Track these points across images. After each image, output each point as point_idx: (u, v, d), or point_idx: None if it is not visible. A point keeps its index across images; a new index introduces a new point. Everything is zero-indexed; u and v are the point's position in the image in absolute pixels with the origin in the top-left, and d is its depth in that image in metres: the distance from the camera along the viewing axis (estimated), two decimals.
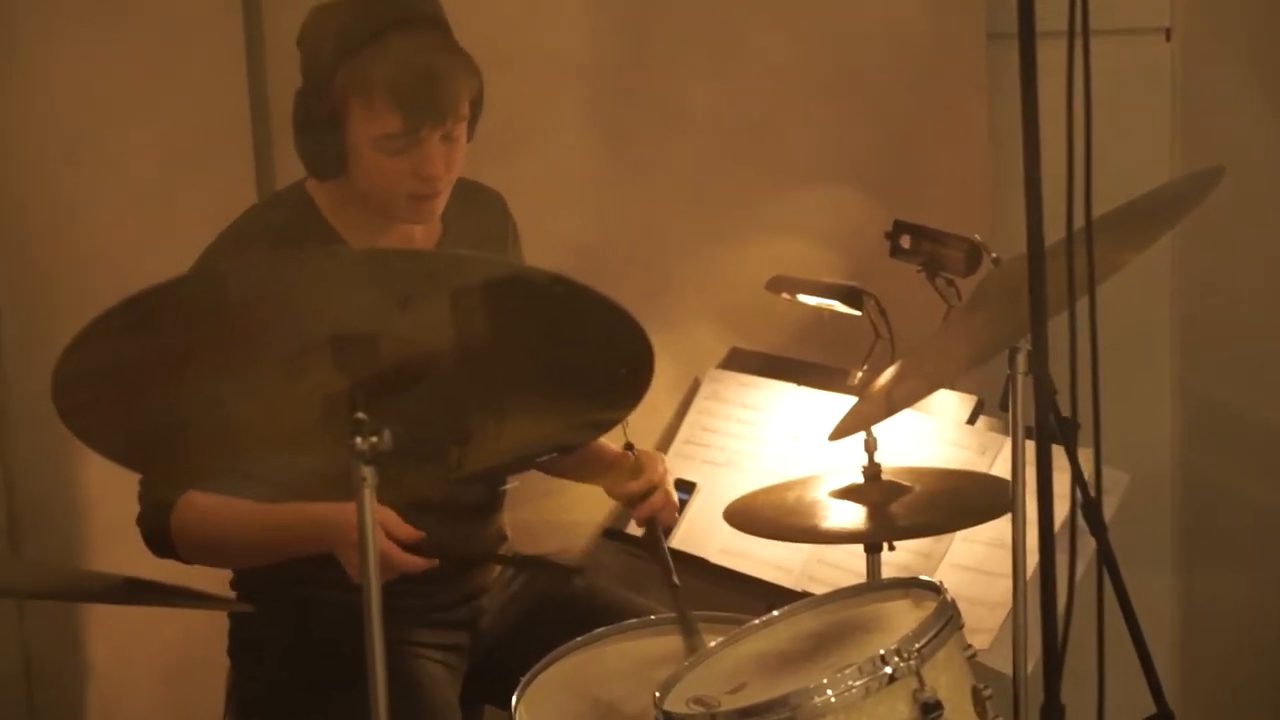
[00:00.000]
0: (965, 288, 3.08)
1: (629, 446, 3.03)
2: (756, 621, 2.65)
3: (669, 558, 2.94)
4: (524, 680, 2.71)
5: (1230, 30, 4.07)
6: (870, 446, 2.99)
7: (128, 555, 2.82)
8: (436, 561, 2.78)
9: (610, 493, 3.08)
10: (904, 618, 2.55)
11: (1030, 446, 2.27)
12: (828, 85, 3.89)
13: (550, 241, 3.49)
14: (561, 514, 3.52)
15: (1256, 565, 4.16)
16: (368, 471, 2.10)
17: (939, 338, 2.97)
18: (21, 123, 3.35)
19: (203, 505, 2.73)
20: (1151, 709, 2.78)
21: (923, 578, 2.65)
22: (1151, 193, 2.74)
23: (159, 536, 2.80)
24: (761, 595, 3.33)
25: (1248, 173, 3.72)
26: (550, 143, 3.74)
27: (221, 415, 2.13)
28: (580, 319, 2.08)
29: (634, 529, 3.12)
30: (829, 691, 2.31)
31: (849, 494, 2.99)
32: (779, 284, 3.57)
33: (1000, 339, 2.71)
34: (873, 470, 3.00)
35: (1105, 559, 2.60)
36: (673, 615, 2.87)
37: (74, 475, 3.37)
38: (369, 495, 2.11)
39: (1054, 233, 2.22)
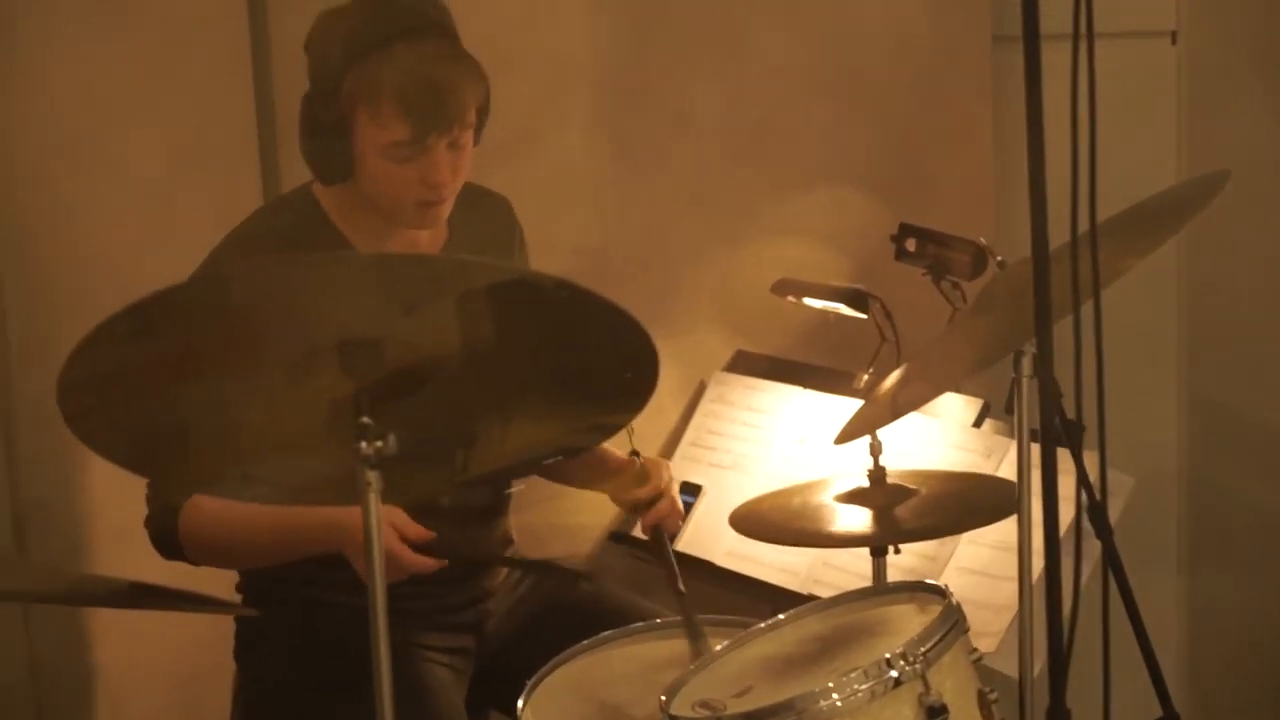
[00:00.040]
0: (970, 291, 3.08)
1: (634, 453, 3.03)
2: (762, 625, 2.66)
3: (675, 564, 2.93)
4: (530, 684, 2.71)
5: (1236, 33, 4.07)
6: (875, 450, 2.99)
7: (133, 558, 2.82)
8: (446, 562, 2.78)
9: (616, 500, 3.08)
10: (909, 621, 2.56)
11: (1036, 449, 2.27)
12: (833, 88, 3.89)
13: (555, 244, 3.49)
14: (567, 517, 3.52)
15: (1262, 568, 4.15)
16: (373, 476, 2.10)
17: (944, 341, 2.97)
18: (25, 125, 3.35)
19: (210, 507, 2.73)
20: (1158, 712, 2.77)
21: (928, 581, 2.65)
22: (1155, 197, 2.74)
23: (167, 539, 2.80)
24: (767, 598, 3.33)
25: (1254, 175, 3.72)
26: (555, 146, 3.74)
27: (226, 419, 2.13)
28: (585, 323, 2.08)
29: (640, 532, 3.11)
30: (834, 695, 2.32)
31: (854, 498, 2.99)
32: (784, 287, 3.57)
33: (1005, 342, 2.70)
34: (878, 474, 3.00)
35: (1111, 562, 2.60)
36: (679, 619, 2.87)
37: (79, 478, 3.37)
38: (374, 499, 2.11)
39: (1059, 236, 2.22)
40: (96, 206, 3.42)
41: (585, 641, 2.83)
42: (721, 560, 3.47)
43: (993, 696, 2.49)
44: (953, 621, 2.46)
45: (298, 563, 2.82)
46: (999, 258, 3.06)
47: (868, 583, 3.03)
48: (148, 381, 2.03)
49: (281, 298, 2.01)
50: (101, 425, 2.06)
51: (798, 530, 2.99)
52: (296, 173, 3.00)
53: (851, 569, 3.25)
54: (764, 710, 2.34)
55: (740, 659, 2.59)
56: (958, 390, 3.38)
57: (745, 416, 3.68)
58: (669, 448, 3.74)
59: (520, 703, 2.66)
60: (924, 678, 2.35)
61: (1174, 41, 4.09)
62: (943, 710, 2.35)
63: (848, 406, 3.23)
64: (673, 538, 3.03)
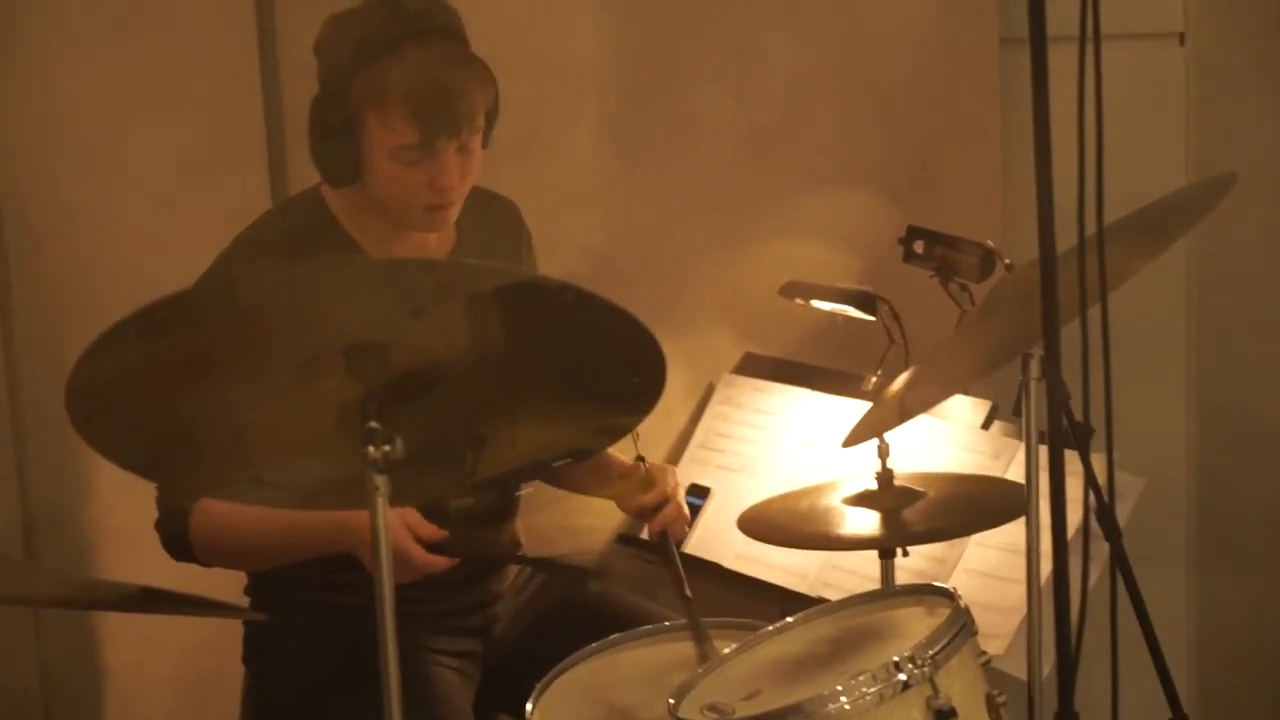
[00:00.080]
0: (979, 293, 3.08)
1: (639, 459, 3.03)
2: (771, 628, 2.66)
3: (681, 570, 2.93)
4: (539, 686, 2.72)
5: (1244, 34, 4.06)
6: (883, 452, 2.99)
7: (142, 561, 2.82)
8: (458, 560, 2.79)
9: (622, 506, 3.08)
10: (918, 624, 2.56)
11: (1044, 451, 2.27)
12: (840, 90, 3.89)
13: (564, 247, 3.50)
14: (576, 519, 3.53)
15: (1272, 569, 4.14)
16: (380, 480, 2.10)
17: (952, 344, 2.97)
18: (34, 130, 3.35)
19: (220, 509, 2.74)
20: (1167, 714, 2.77)
21: (936, 584, 2.65)
22: (1163, 199, 2.74)
23: (177, 541, 2.81)
24: (776, 601, 3.33)
25: (1262, 176, 3.72)
26: (563, 148, 3.74)
27: (235, 422, 2.13)
28: (591, 327, 2.08)
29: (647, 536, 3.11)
30: (843, 698, 2.31)
31: (862, 500, 2.98)
32: (792, 289, 3.57)
33: (1013, 345, 2.70)
34: (886, 476, 3.00)
35: (1119, 563, 2.60)
36: (686, 622, 2.87)
37: (88, 482, 3.37)
38: (382, 504, 2.11)
39: (1067, 238, 2.22)
40: (105, 210, 3.42)
41: (593, 644, 2.83)
42: (730, 563, 3.47)
43: (1001, 699, 2.49)
44: (961, 624, 2.46)
45: (306, 566, 2.82)
46: (1007, 260, 3.06)
47: (876, 585, 3.03)
48: (156, 385, 2.03)
49: (288, 302, 2.01)
50: (110, 429, 2.07)
51: (806, 533, 2.99)
52: (304, 176, 3.00)
53: (860, 571, 3.25)
54: (772, 714, 2.34)
55: (749, 662, 2.59)
56: (966, 392, 3.38)
57: (753, 419, 3.68)
58: (677, 450, 3.74)
59: (528, 706, 2.66)
60: (932, 681, 2.35)
61: (1182, 43, 4.09)
62: (951, 713, 2.35)
63: (856, 409, 3.23)
64: (679, 543, 3.02)
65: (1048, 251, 2.14)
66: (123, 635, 3.47)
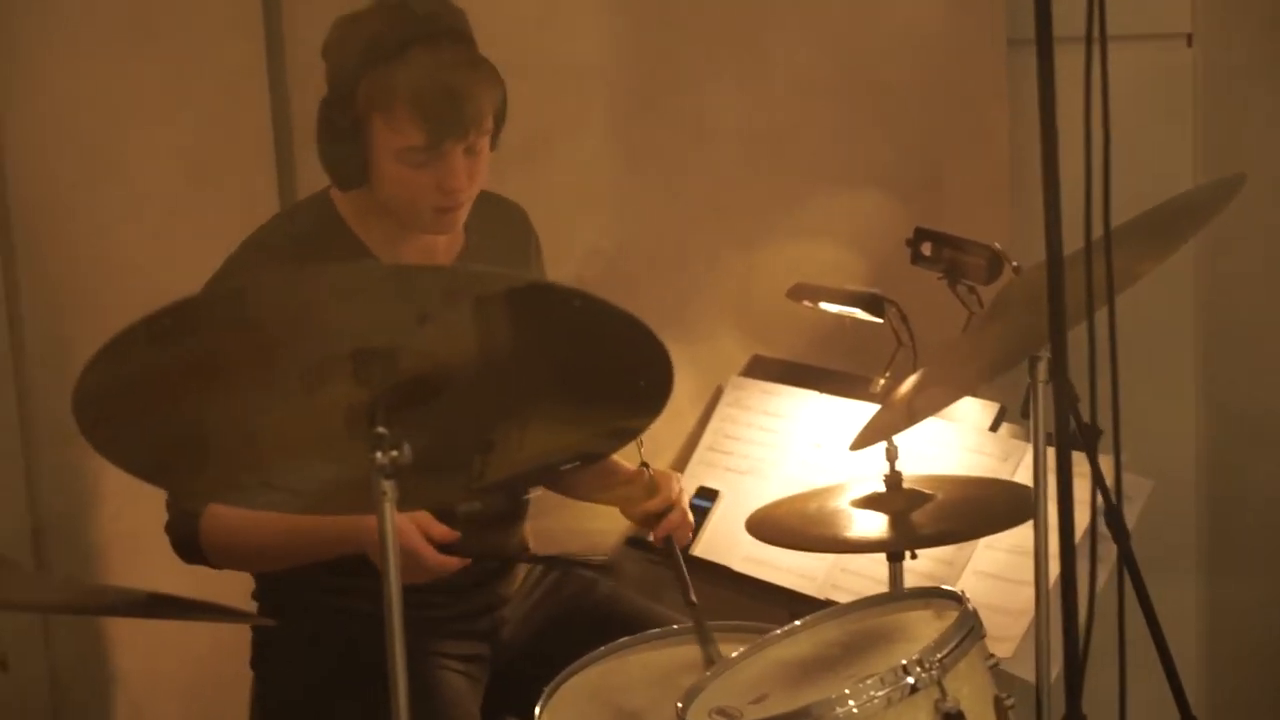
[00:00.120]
0: (987, 295, 3.08)
1: (644, 465, 3.03)
2: (778, 631, 2.66)
3: (687, 576, 2.93)
4: (547, 690, 2.71)
5: (1252, 35, 4.05)
6: (891, 455, 2.99)
7: (149, 566, 2.83)
8: (470, 561, 2.79)
9: (626, 513, 3.07)
10: (926, 627, 2.55)
11: (1052, 454, 2.26)
12: (848, 92, 3.89)
13: (571, 249, 3.50)
14: (585, 522, 3.52)
15: None
16: (388, 486, 2.10)
17: (960, 346, 2.96)
18: (42, 135, 3.35)
19: (231, 511, 2.74)
20: (1176, 717, 2.77)
21: (945, 587, 2.65)
22: (1171, 201, 2.73)
23: (188, 544, 2.82)
24: (784, 603, 3.33)
25: (1271, 177, 3.71)
26: (572, 151, 3.74)
27: (243, 427, 2.13)
28: (599, 332, 2.08)
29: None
30: (851, 702, 2.31)
31: (871, 503, 2.98)
32: (800, 291, 3.57)
33: (1021, 348, 2.70)
34: (894, 479, 3.00)
35: (1128, 565, 2.59)
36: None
37: (96, 487, 3.37)
38: (389, 509, 2.11)
39: (1075, 240, 2.21)
40: (113, 214, 3.42)
41: (601, 648, 2.83)
42: (738, 565, 3.47)
43: (1009, 702, 2.49)
44: (969, 627, 2.46)
45: (314, 569, 2.83)
46: (1014, 263, 3.06)
47: (885, 588, 3.03)
48: (163, 391, 2.03)
49: (296, 308, 2.01)
50: (117, 435, 2.07)
51: (814, 536, 2.99)
52: (312, 179, 3.00)
53: (868, 574, 3.25)
54: (780, 717, 2.33)
55: (757, 665, 2.59)
56: (974, 394, 3.38)
57: (762, 421, 3.68)
58: (686, 452, 3.75)
59: (537, 709, 2.66)
60: (940, 684, 2.35)
61: (1190, 44, 4.09)
62: (959, 717, 2.35)
63: (864, 411, 3.23)
64: (684, 548, 3.02)
65: (1054, 254, 2.14)
66: (132, 640, 3.48)
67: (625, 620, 3.01)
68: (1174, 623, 2.86)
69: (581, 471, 3.03)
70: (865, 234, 3.80)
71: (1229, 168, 2.87)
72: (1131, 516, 3.13)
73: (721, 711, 2.41)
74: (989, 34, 3.94)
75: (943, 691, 2.35)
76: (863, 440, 2.93)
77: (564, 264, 3.31)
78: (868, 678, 2.34)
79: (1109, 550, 2.62)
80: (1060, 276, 2.14)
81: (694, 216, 3.85)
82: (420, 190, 2.81)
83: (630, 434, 2.29)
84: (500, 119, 2.87)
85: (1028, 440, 3.13)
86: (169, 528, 2.83)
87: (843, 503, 3.02)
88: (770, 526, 3.03)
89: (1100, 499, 2.56)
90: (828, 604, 3.14)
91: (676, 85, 3.82)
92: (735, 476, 3.63)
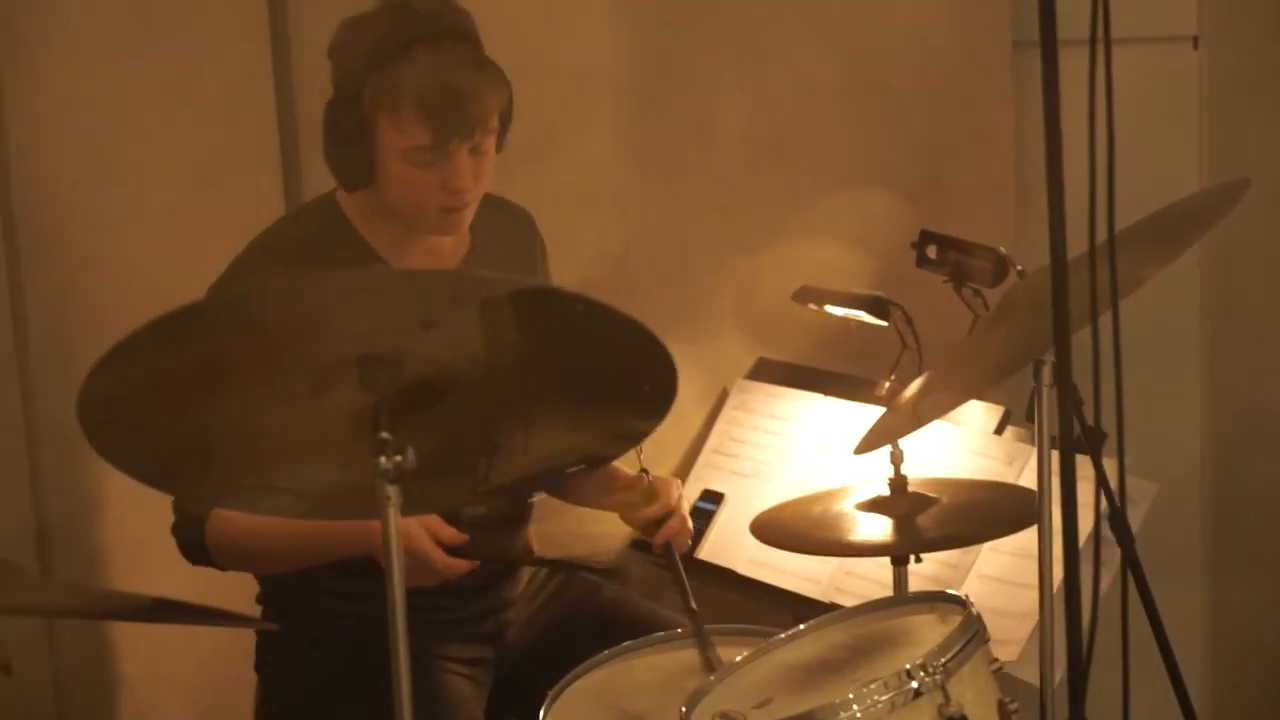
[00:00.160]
0: (992, 298, 3.08)
1: (643, 471, 3.03)
2: (783, 635, 2.65)
3: (686, 582, 2.93)
4: (551, 693, 2.71)
5: (1258, 38, 4.05)
6: (896, 459, 2.99)
7: (154, 569, 2.83)
8: (478, 563, 2.79)
9: (626, 519, 3.07)
10: (930, 632, 2.55)
11: (1057, 457, 2.26)
12: (854, 95, 3.89)
13: (577, 251, 3.51)
14: (589, 525, 3.52)
15: None
16: (392, 490, 2.10)
17: (964, 350, 2.96)
18: (48, 138, 3.36)
19: (238, 513, 2.73)
20: None
21: (949, 591, 2.65)
22: (1175, 205, 2.73)
23: (194, 546, 2.82)
24: (789, 606, 3.34)
25: (1277, 180, 3.70)
26: (577, 153, 3.74)
27: (248, 429, 2.13)
28: (603, 337, 2.08)
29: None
30: (855, 707, 2.31)
31: (875, 506, 2.99)
32: (805, 295, 3.56)
33: (1025, 352, 2.70)
34: (899, 482, 3.00)
35: (1132, 568, 2.59)
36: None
37: (101, 490, 3.37)
38: (393, 514, 2.11)
39: (1080, 244, 2.21)
40: (118, 217, 3.42)
41: (606, 651, 2.83)
42: (743, 568, 3.47)
43: (1013, 707, 2.49)
44: (973, 632, 2.45)
45: (318, 574, 2.83)
46: (1019, 266, 3.06)
47: (889, 591, 3.03)
48: (168, 395, 2.03)
49: (300, 312, 2.01)
50: (122, 439, 2.07)
51: (818, 539, 2.99)
52: (318, 181, 3.01)
53: (873, 577, 3.25)
54: None
55: (761, 669, 2.59)
56: (979, 397, 3.37)
57: (767, 424, 3.68)
58: (691, 455, 3.75)
59: (541, 713, 2.66)
60: (944, 689, 2.35)
61: (1196, 46, 4.08)
62: None
63: (869, 414, 3.23)
64: (683, 554, 3.01)
65: (1058, 258, 2.14)
66: (137, 644, 3.48)
67: (630, 623, 3.01)
68: (1178, 626, 2.85)
69: (582, 477, 3.03)
70: (870, 236, 3.80)
71: (1235, 171, 2.86)
72: (1136, 520, 3.13)
73: (725, 715, 2.40)
74: (994, 36, 3.93)
75: (946, 696, 2.35)
76: (868, 444, 2.93)
77: (569, 265, 3.31)
78: (871, 682, 2.33)
79: (1113, 554, 2.62)
80: (1064, 281, 2.14)
81: (699, 218, 3.85)
82: (426, 190, 2.81)
83: (636, 437, 2.29)
84: (506, 120, 2.88)
85: (1033, 444, 3.13)
86: (175, 530, 2.84)
87: (847, 506, 3.02)
88: (774, 530, 3.03)
89: (1104, 502, 2.56)
90: (832, 607, 3.15)
91: (681, 87, 3.82)
92: (740, 479, 3.63)
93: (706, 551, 3.54)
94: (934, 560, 3.19)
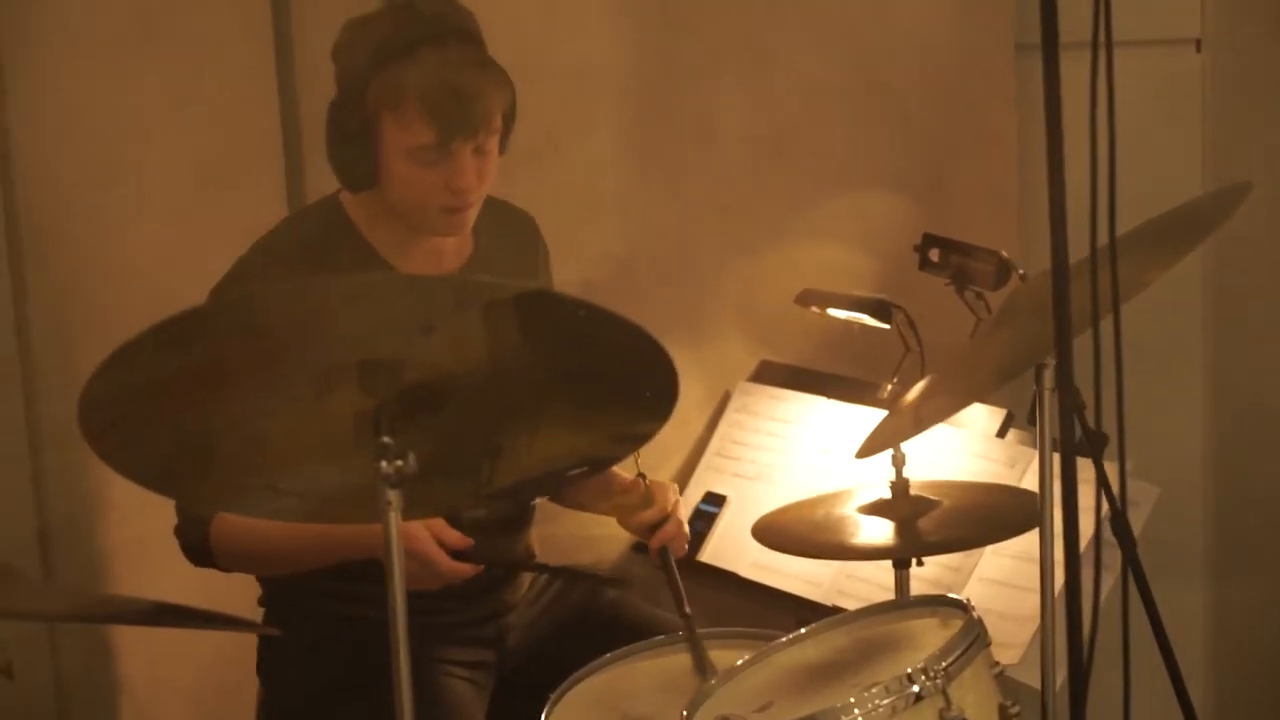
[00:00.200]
0: (994, 301, 3.08)
1: (640, 475, 3.03)
2: (784, 639, 2.65)
3: (681, 586, 2.92)
4: (553, 697, 2.72)
5: (1261, 40, 4.04)
6: (898, 462, 2.99)
7: (156, 572, 2.83)
8: (483, 568, 2.79)
9: (623, 523, 3.07)
10: (931, 636, 2.55)
11: (1059, 460, 2.26)
12: (856, 98, 3.89)
13: (579, 253, 3.50)
14: (591, 528, 3.52)
15: None
16: (393, 495, 2.10)
17: (966, 354, 2.96)
18: (50, 139, 3.35)
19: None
20: None
21: (950, 596, 2.65)
22: (1176, 210, 2.73)
23: (197, 548, 2.82)
24: (791, 609, 3.34)
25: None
26: (580, 155, 3.74)
27: (249, 431, 2.13)
28: (604, 341, 2.08)
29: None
30: (856, 711, 2.31)
31: (877, 510, 2.98)
32: (808, 298, 3.57)
33: (1027, 355, 2.70)
34: (901, 486, 3.00)
35: (1133, 571, 2.59)
36: (704, 631, 2.86)
37: (103, 493, 3.37)
38: (394, 518, 2.11)
39: (1083, 248, 2.21)
40: (121, 218, 3.42)
41: (608, 655, 2.84)
42: (746, 571, 3.47)
43: (1014, 710, 2.49)
44: (974, 636, 2.45)
45: (320, 577, 2.83)
46: (1020, 270, 3.06)
47: (891, 593, 3.03)
48: (169, 399, 2.03)
49: (302, 316, 2.02)
50: (123, 443, 2.06)
51: (820, 543, 2.99)
52: (321, 182, 3.01)
53: (875, 580, 3.25)
54: None
55: (762, 673, 2.59)
56: (982, 400, 3.37)
57: (769, 426, 3.68)
58: (694, 458, 3.75)
59: (542, 716, 2.66)
60: (945, 693, 2.35)
61: (1199, 49, 4.07)
62: None
63: (871, 416, 3.23)
64: (679, 559, 3.01)
65: (1059, 262, 2.13)
66: (138, 647, 3.47)
67: (631, 627, 3.01)
68: (1180, 629, 2.85)
69: (580, 481, 3.03)
70: (873, 239, 3.80)
71: (1238, 173, 2.87)
72: (1138, 523, 3.13)
73: (726, 719, 2.40)
74: (997, 39, 3.93)
75: (947, 700, 2.35)
76: (870, 447, 2.92)
77: (572, 266, 3.31)
78: (873, 686, 2.33)
79: (1115, 557, 2.62)
80: (1065, 285, 2.14)
81: (702, 220, 3.85)
82: (429, 190, 2.81)
83: (639, 439, 2.29)
84: (510, 121, 2.88)
85: (1035, 447, 3.12)
86: (178, 532, 2.84)
87: (849, 509, 3.02)
88: (776, 533, 3.03)
89: (1106, 506, 2.56)
90: (834, 610, 3.15)
91: (685, 89, 3.82)
92: (743, 482, 3.63)
93: (709, 554, 3.54)
94: (936, 563, 3.19)
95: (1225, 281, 4.11)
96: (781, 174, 3.88)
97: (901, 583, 3.01)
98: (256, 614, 3.05)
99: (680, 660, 2.84)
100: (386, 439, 2.08)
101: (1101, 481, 2.55)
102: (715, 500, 3.61)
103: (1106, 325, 2.30)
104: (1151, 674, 2.61)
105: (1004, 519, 2.95)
